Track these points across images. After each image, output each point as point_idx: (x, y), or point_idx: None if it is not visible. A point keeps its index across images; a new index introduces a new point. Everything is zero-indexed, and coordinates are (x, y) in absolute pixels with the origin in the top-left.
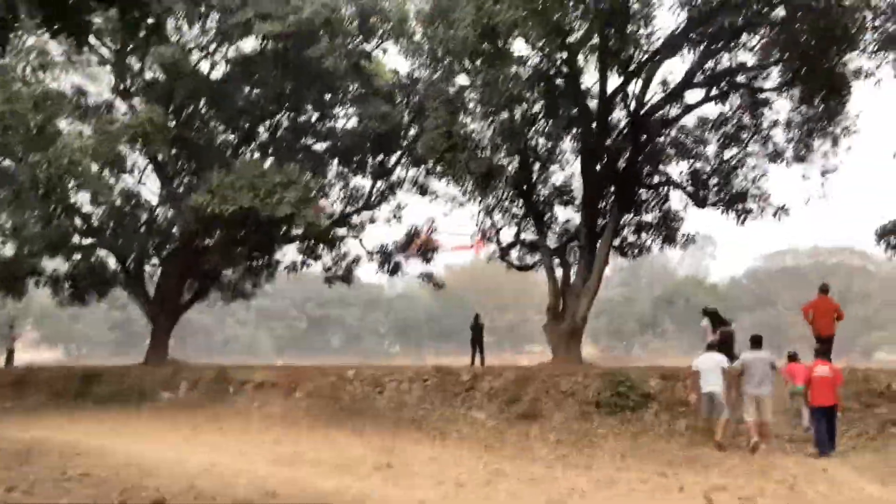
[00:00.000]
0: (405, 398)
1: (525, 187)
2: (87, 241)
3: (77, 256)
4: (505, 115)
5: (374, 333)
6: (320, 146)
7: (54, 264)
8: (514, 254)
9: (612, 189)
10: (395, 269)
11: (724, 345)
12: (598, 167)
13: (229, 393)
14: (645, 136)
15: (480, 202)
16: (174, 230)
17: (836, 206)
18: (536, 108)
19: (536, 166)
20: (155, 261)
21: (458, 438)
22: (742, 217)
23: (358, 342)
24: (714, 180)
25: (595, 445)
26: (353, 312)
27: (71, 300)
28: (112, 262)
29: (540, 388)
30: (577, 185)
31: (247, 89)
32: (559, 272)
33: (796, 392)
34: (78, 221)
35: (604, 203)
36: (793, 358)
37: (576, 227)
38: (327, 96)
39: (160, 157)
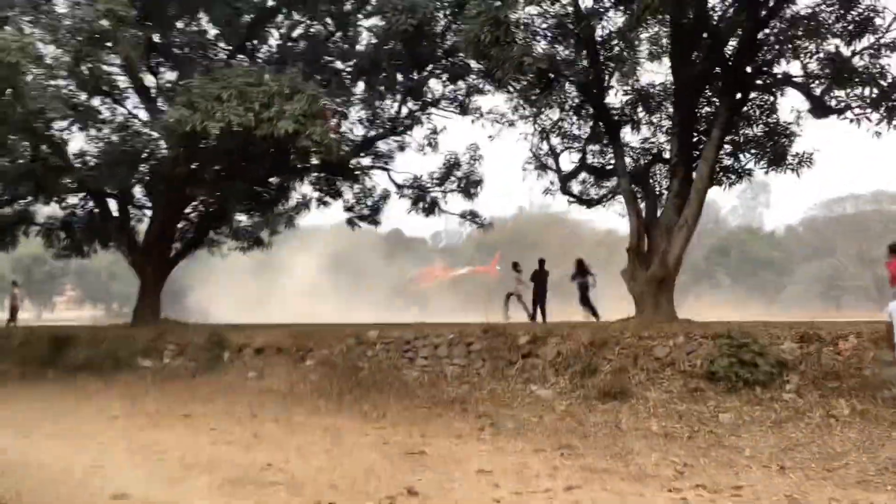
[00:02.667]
0: (443, 368)
1: (595, 91)
2: (67, 179)
3: (73, 200)
4: None
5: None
6: (339, 65)
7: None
8: (574, 187)
9: (716, 88)
10: (431, 207)
11: None
12: (695, 57)
13: (223, 360)
14: (769, 7)
15: (535, 118)
16: (154, 160)
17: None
18: None
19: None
20: (146, 202)
21: (515, 429)
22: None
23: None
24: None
25: (723, 442)
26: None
27: (65, 252)
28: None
29: (625, 354)
30: (664, 89)
31: None
32: (640, 204)
33: None
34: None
35: (701, 110)
36: None
37: (661, 145)
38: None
39: (132, 66)
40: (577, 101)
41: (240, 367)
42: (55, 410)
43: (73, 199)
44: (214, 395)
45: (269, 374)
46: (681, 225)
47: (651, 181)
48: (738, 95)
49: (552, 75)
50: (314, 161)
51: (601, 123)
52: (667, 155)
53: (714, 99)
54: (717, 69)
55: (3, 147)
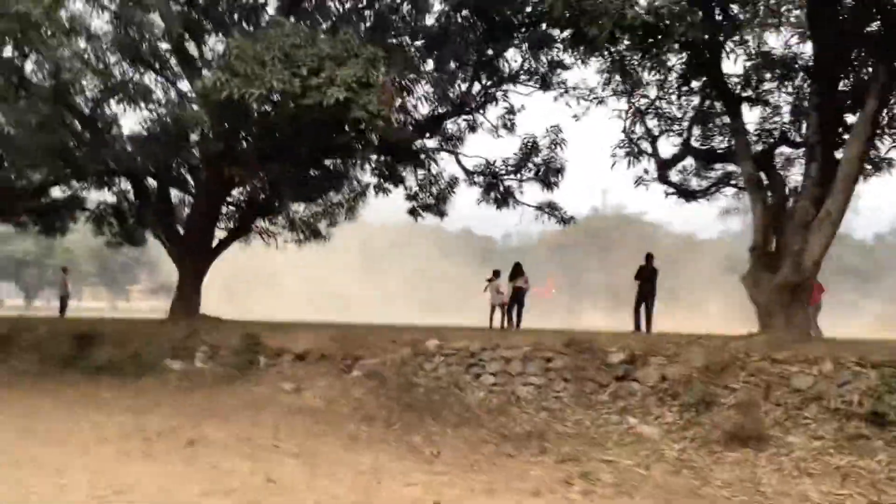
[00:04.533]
0: (515, 388)
1: (708, 55)
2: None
3: (126, 186)
4: None
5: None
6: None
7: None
8: (672, 176)
9: (871, 50)
10: (504, 198)
11: None
12: (839, 14)
13: (258, 366)
14: None
15: (631, 92)
16: (194, 135)
17: None
18: None
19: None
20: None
21: (615, 485)
22: None
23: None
24: None
25: None
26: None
27: (117, 240)
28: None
29: (753, 383)
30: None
31: None
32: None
33: None
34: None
35: (848, 80)
36: None
37: (783, 126)
38: None
39: (171, 30)
40: (683, 68)
41: (275, 375)
42: (47, 425)
43: (125, 184)
44: (238, 412)
45: (306, 387)
46: (822, 218)
47: (771, 167)
48: None
49: (659, 36)
50: (372, 141)
51: (714, 95)
52: (794, 138)
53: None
54: (874, 25)
55: (38, 124)
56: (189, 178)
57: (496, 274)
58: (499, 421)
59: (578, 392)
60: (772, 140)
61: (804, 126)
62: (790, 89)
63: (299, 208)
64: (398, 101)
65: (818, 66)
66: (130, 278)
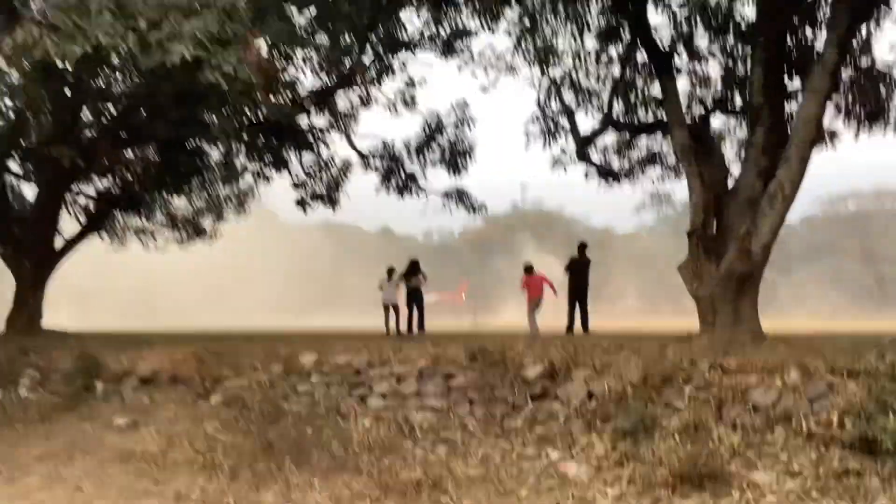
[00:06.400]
0: (409, 414)
1: (633, 3)
2: None
3: None
4: None
5: None
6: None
7: None
8: (593, 156)
9: None
10: (406, 184)
11: None
12: None
13: (94, 394)
14: None
15: (544, 59)
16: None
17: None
18: None
19: None
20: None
21: None
22: None
23: None
24: None
25: None
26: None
27: None
28: None
29: (702, 399)
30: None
31: None
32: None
33: None
34: None
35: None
36: None
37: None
38: None
39: None
40: (604, 25)
41: (113, 405)
42: None
43: None
44: (44, 461)
45: (147, 421)
46: (772, 193)
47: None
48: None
49: None
50: (232, 113)
51: (636, 63)
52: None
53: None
54: None
55: None
56: (29, 164)
57: (390, 272)
58: (383, 463)
59: (487, 417)
60: (704, 108)
61: (738, 96)
62: (726, 47)
63: (179, 202)
64: (266, 62)
65: (764, 13)
66: None
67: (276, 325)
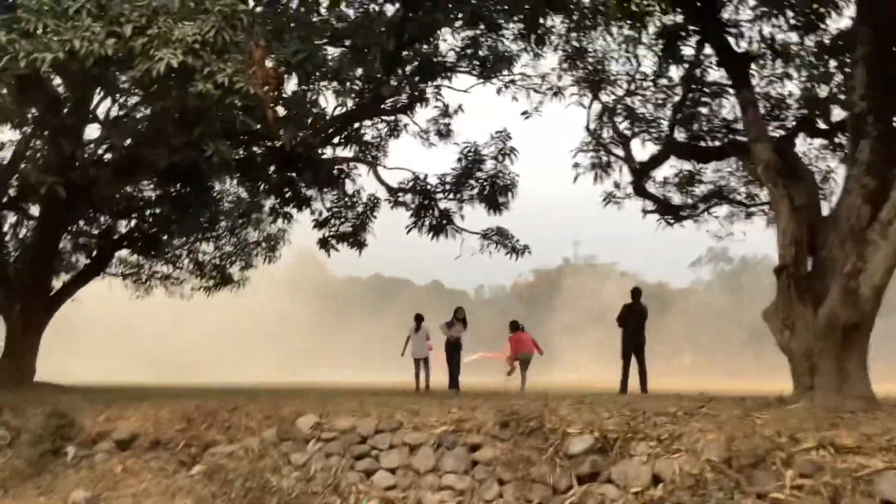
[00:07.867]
0: (422, 497)
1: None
2: None
3: None
4: None
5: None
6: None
7: None
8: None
9: None
10: (440, 225)
11: None
12: None
13: (65, 459)
14: None
15: (596, 81)
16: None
17: None
18: None
19: None
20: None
21: None
22: None
23: None
24: None
25: None
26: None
27: None
28: None
29: (810, 488)
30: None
31: None
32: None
33: None
34: None
35: None
36: None
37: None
38: None
39: None
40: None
41: (81, 474)
42: None
43: None
44: None
45: (111, 496)
46: (885, 222)
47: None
48: None
49: None
50: (254, 146)
51: (698, 87)
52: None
53: None
54: None
55: None
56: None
57: (419, 321)
58: None
59: (521, 503)
60: (796, 123)
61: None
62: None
63: (206, 248)
64: (271, 75)
65: (863, 9)
66: None
67: (302, 380)
